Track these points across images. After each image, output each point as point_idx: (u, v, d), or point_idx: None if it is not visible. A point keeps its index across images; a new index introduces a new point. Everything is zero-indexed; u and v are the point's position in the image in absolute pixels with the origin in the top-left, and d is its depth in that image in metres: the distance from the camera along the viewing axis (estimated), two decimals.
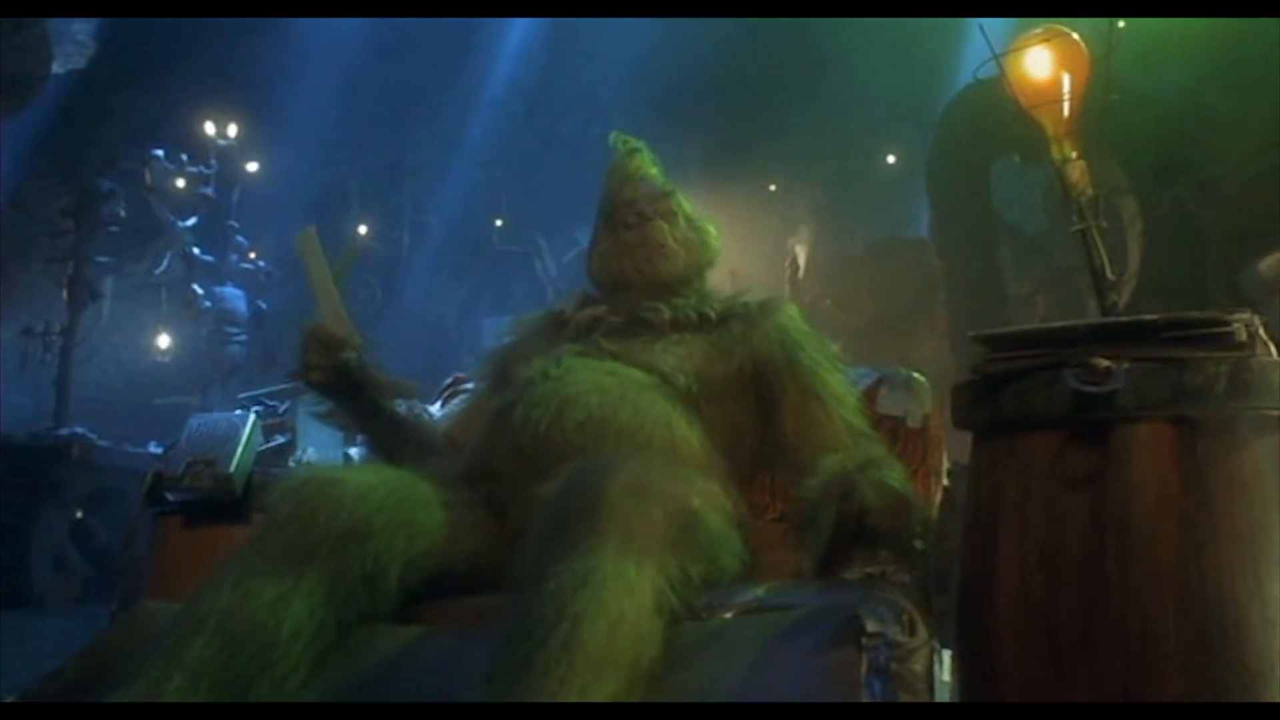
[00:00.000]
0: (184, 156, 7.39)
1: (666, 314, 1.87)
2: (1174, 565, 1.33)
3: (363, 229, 14.07)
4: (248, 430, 2.14)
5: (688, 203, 2.08)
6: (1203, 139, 5.63)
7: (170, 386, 7.27)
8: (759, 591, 1.32)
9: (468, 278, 15.60)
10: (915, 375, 2.13)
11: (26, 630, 4.77)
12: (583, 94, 12.06)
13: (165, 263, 7.52)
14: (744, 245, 12.94)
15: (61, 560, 5.70)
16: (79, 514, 5.71)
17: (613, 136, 2.18)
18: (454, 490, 1.59)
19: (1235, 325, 1.36)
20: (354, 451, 2.38)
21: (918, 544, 1.57)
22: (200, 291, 7.44)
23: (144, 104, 9.07)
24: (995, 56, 2.45)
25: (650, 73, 12.27)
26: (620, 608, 1.09)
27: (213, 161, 7.51)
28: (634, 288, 1.92)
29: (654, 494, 1.25)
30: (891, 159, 12.84)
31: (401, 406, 1.94)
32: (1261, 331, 1.47)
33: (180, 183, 7.78)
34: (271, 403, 2.56)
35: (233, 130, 7.80)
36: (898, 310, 9.47)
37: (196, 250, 7.55)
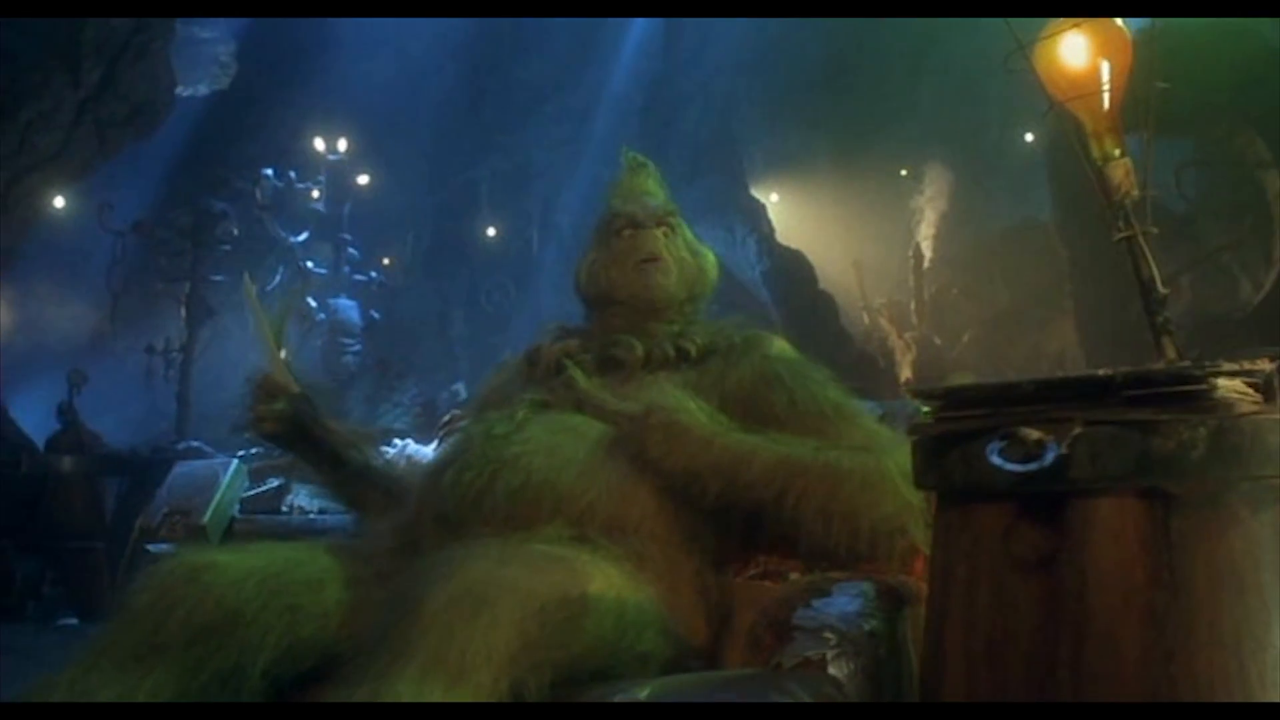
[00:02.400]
0: (291, 174, 7.61)
1: (640, 351, 1.72)
2: (1139, 670, 1.11)
3: (491, 230, 14.31)
4: (227, 478, 2.11)
5: (688, 230, 1.95)
6: None
7: None
8: (643, 693, 1.17)
9: None
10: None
11: None
12: (698, 88, 11.87)
13: (277, 278, 7.78)
14: (873, 235, 12.51)
15: None
16: None
17: (622, 152, 2.08)
18: (372, 563, 1.48)
19: (1213, 382, 1.12)
20: None
21: (867, 625, 1.39)
22: (314, 304, 7.64)
23: (269, 125, 9.40)
24: (1021, 47, 2.18)
25: (767, 62, 11.98)
26: None
27: (320, 177, 7.70)
28: (620, 302, 1.79)
29: (504, 595, 1.11)
30: (1030, 136, 12.05)
31: (373, 455, 1.86)
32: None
33: (315, 193, 8.01)
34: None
35: (343, 144, 7.98)
36: (1032, 299, 8.93)
37: (310, 264, 7.76)
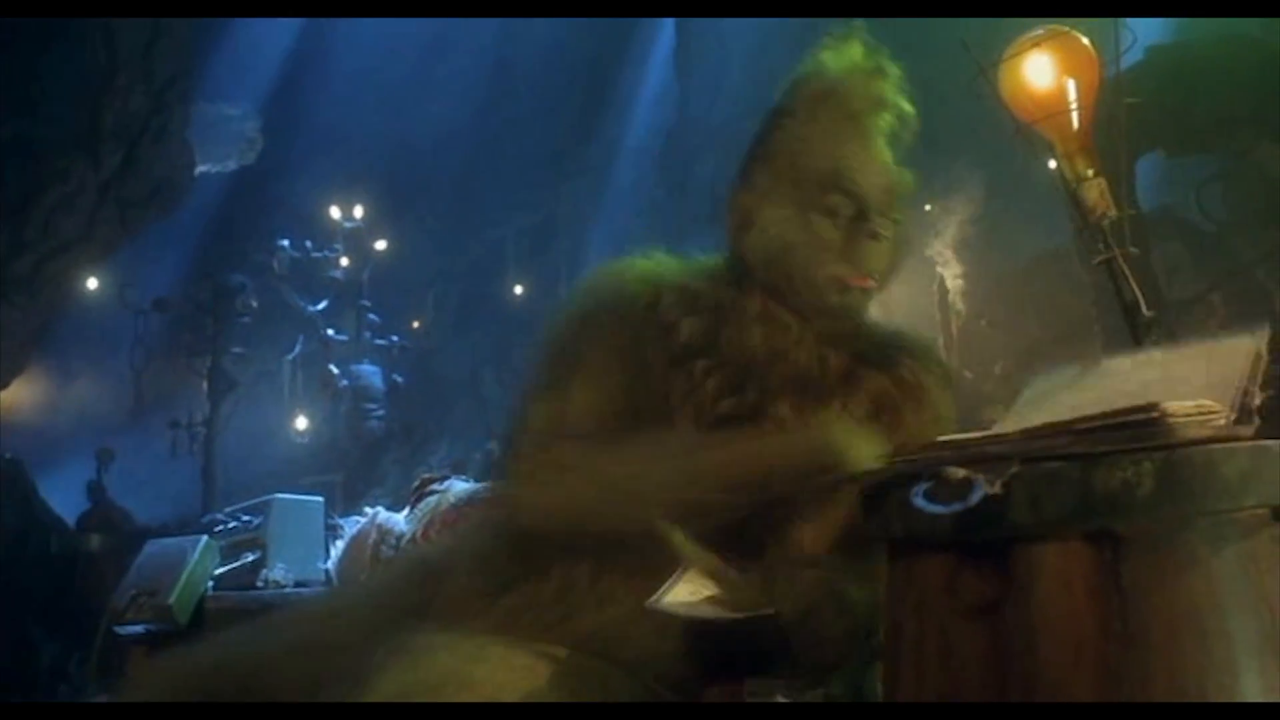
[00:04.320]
0: (308, 243, 7.70)
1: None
2: None
3: (519, 289, 14.38)
4: (195, 557, 2.07)
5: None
6: None
7: (320, 465, 7.53)
8: None
9: None
10: None
11: None
12: (711, 134, 11.88)
13: (298, 347, 7.83)
14: (899, 275, 12.28)
15: None
16: None
17: (849, 34, 1.52)
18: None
19: (1157, 410, 1.04)
20: (330, 565, 2.27)
21: (823, 689, 1.30)
22: (336, 371, 7.68)
23: (291, 196, 9.53)
24: (983, 70, 2.12)
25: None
26: None
27: (337, 244, 7.78)
28: (781, 293, 1.43)
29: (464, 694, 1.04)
30: (1053, 163, 11.83)
31: None
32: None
33: (342, 260, 8.08)
34: (245, 518, 2.52)
35: (359, 212, 8.07)
36: (1065, 327, 8.75)
37: (330, 331, 7.82)
